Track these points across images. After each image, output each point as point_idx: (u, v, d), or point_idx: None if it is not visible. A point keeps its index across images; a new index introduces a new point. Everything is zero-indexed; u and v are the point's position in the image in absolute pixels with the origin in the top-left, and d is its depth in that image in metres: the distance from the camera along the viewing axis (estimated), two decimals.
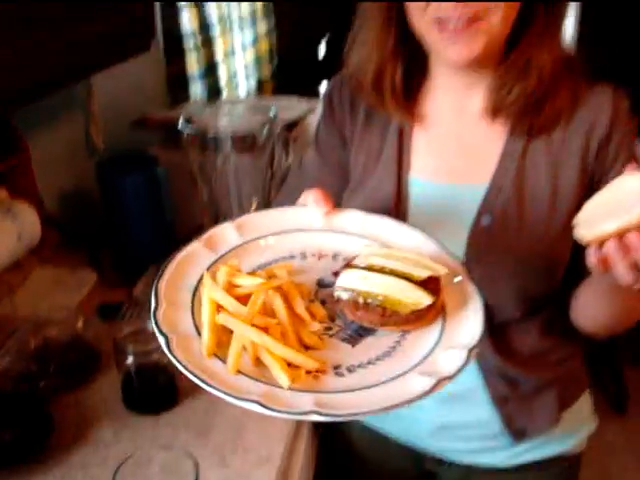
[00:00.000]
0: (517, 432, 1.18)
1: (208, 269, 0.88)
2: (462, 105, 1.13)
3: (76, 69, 1.32)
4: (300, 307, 0.84)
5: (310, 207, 0.97)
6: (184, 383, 1.25)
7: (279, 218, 0.99)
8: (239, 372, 0.76)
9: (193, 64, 2.31)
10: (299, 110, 2.02)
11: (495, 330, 1.12)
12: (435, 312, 0.84)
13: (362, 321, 0.84)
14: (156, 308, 0.81)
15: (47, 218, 1.64)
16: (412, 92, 1.15)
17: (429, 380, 0.75)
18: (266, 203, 1.51)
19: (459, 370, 0.76)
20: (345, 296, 0.84)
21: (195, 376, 0.74)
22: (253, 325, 0.78)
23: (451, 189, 1.13)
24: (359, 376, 0.78)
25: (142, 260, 1.66)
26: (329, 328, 0.85)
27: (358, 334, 0.84)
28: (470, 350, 0.78)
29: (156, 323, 0.79)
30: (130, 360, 1.25)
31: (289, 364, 0.77)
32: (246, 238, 0.96)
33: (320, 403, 0.72)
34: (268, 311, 0.81)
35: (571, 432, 1.25)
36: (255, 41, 2.77)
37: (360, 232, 0.97)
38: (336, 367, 0.79)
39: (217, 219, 1.53)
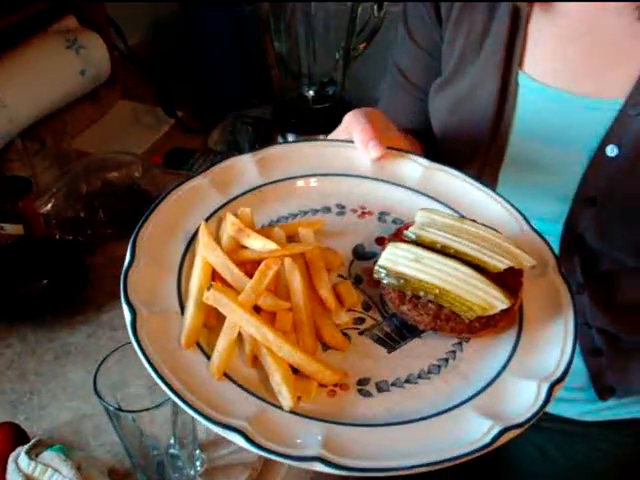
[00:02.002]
0: (604, 389, 1.01)
1: (210, 217, 0.67)
2: None
3: None
4: (325, 287, 0.60)
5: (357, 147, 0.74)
6: None
7: (314, 155, 0.75)
8: (226, 376, 0.55)
9: None
10: None
11: (598, 278, 0.92)
12: (509, 318, 0.60)
13: (407, 318, 0.61)
14: (129, 266, 0.60)
15: (127, 51, 1.54)
16: None
17: (489, 426, 0.52)
18: (346, 61, 1.34)
19: (534, 416, 0.53)
20: (390, 281, 0.61)
21: (157, 373, 0.53)
22: (256, 309, 0.56)
23: (571, 101, 0.86)
24: (392, 400, 0.56)
25: (221, 107, 1.55)
26: (360, 320, 0.62)
27: (399, 335, 0.62)
28: (553, 385, 0.55)
29: (125, 287, 0.58)
30: None
31: (295, 370, 0.55)
32: (269, 178, 0.73)
33: (330, 441, 0.51)
34: (281, 289, 0.59)
35: None
36: None
37: (421, 187, 0.73)
38: (361, 382, 0.57)
39: (286, 78, 1.38)
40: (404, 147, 0.79)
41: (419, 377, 0.58)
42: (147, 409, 0.73)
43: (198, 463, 0.87)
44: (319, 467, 0.49)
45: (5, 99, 1.19)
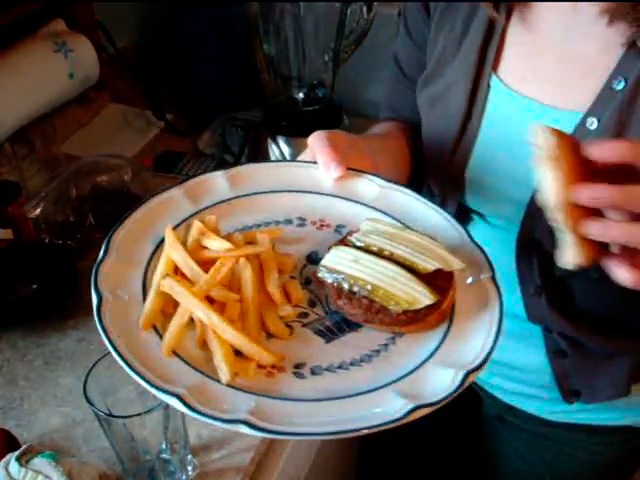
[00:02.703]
0: (569, 393, 1.01)
1: (180, 224, 0.74)
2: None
3: None
4: (273, 284, 0.68)
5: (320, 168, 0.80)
6: None
7: (282, 173, 0.82)
8: (175, 354, 0.62)
9: None
10: None
11: (555, 281, 0.92)
12: (439, 316, 0.67)
13: (343, 312, 0.68)
14: (102, 260, 0.68)
15: (116, 54, 1.54)
16: None
17: (404, 403, 0.59)
18: (336, 63, 1.34)
19: (445, 398, 0.59)
20: (329, 279, 0.68)
21: (113, 347, 0.60)
22: (207, 298, 0.63)
23: (537, 110, 0.87)
24: (323, 381, 0.63)
25: (211, 109, 1.55)
26: (304, 315, 0.69)
27: (338, 328, 0.68)
28: (468, 373, 0.61)
29: (95, 278, 0.65)
30: None
31: (239, 353, 0.62)
32: (238, 192, 0.80)
33: (259, 410, 0.58)
34: (234, 284, 0.67)
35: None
36: None
37: (376, 204, 0.80)
38: (298, 365, 0.64)
39: (276, 80, 1.37)
40: (367, 165, 0.83)
41: (351, 364, 0.65)
42: (138, 414, 0.73)
43: (190, 468, 0.86)
44: (244, 429, 0.55)
45: None
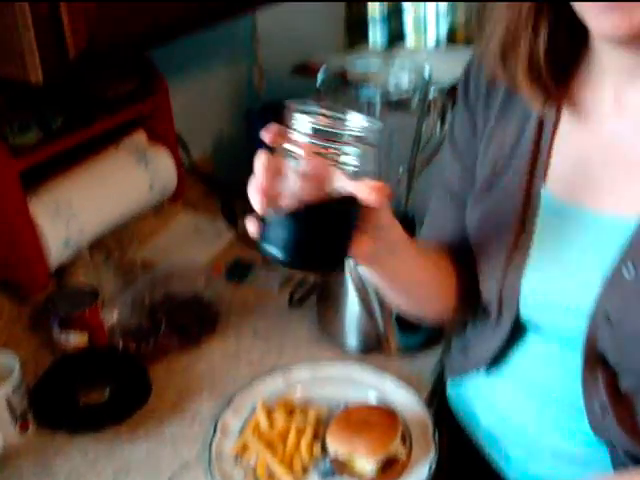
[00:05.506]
0: None
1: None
2: (625, 97, 0.84)
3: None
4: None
5: None
6: None
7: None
8: None
9: (375, 6, 2.14)
10: None
11: (621, 397, 0.87)
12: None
13: None
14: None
15: (191, 165, 1.58)
16: (563, 72, 0.87)
17: None
18: (410, 176, 1.35)
19: None
20: None
21: None
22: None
23: (589, 217, 0.85)
24: None
25: None
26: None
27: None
28: None
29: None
30: None
31: None
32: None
33: None
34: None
35: None
36: None
37: None
38: None
39: None
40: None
41: None
42: None
43: None
44: None
45: (76, 210, 1.21)
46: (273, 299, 1.40)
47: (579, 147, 0.88)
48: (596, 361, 0.87)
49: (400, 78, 1.39)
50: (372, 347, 1.23)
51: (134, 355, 1.20)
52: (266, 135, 0.72)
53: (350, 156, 0.70)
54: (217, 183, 1.65)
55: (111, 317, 1.23)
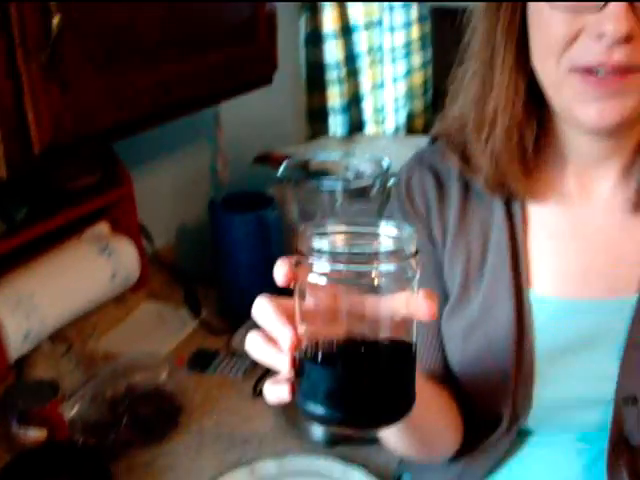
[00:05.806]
0: None
1: None
2: (590, 184, 0.87)
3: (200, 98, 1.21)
4: None
5: None
6: None
7: None
8: None
9: (335, 96, 2.20)
10: None
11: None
12: None
13: None
14: None
15: (154, 254, 1.58)
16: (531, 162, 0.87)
17: None
18: None
19: None
20: None
21: None
22: None
23: (587, 306, 0.86)
24: None
25: (246, 308, 1.56)
26: None
27: None
28: None
29: None
30: None
31: None
32: None
33: None
34: None
35: None
36: (408, 73, 2.62)
37: None
38: None
39: None
40: None
41: None
42: None
43: None
44: None
45: (38, 302, 1.20)
46: (237, 389, 1.38)
47: (555, 236, 0.88)
48: (621, 447, 0.86)
49: (360, 167, 1.42)
50: (339, 437, 1.22)
51: (95, 450, 1.17)
52: (279, 275, 0.62)
53: (389, 274, 0.57)
54: (180, 272, 1.65)
55: (71, 411, 1.20)
